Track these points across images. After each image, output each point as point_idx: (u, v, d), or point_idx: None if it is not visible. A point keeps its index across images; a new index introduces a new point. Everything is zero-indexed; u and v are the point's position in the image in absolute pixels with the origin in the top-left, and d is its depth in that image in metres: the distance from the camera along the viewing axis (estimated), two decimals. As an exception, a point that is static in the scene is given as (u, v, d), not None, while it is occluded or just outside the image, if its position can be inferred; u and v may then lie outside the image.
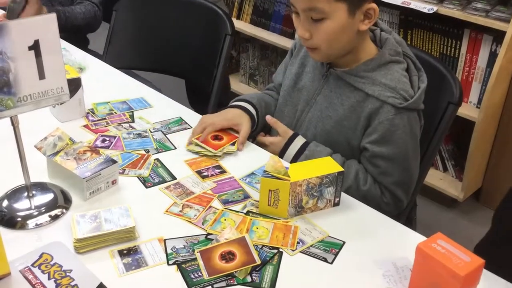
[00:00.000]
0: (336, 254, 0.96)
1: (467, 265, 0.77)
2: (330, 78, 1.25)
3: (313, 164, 1.06)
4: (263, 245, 0.97)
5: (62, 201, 1.05)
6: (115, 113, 1.37)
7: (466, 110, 2.09)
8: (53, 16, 0.93)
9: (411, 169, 1.22)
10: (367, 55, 1.20)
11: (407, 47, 1.25)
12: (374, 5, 1.14)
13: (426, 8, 2.08)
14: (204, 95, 1.85)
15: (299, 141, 1.24)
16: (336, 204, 1.07)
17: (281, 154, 1.24)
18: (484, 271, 0.82)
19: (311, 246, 0.97)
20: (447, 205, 2.26)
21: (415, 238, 1.01)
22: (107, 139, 1.26)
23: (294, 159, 1.22)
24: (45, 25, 0.93)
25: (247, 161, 1.22)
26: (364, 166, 1.21)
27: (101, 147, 1.22)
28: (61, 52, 0.97)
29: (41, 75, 0.94)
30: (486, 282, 0.86)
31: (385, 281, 0.90)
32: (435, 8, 2.06)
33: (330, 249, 0.97)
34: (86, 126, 1.31)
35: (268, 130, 1.39)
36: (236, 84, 2.99)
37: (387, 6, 2.25)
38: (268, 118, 1.30)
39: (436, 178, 2.28)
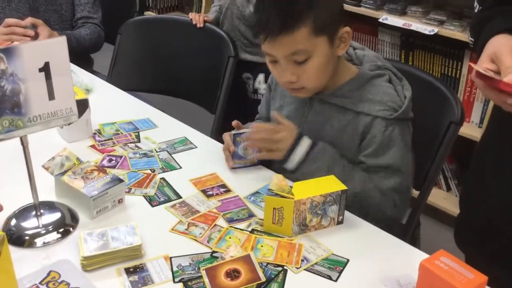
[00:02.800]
0: (340, 272, 0.96)
1: (470, 282, 0.78)
2: (314, 104, 1.24)
3: (316, 182, 1.07)
4: (268, 263, 0.97)
5: (70, 220, 1.06)
6: (121, 133, 1.40)
7: (469, 130, 2.11)
8: (63, 39, 0.96)
9: (406, 176, 1.22)
10: (348, 75, 1.20)
11: (384, 60, 1.27)
12: (347, 28, 1.15)
13: (427, 29, 2.12)
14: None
15: (305, 141, 1.20)
16: (340, 222, 1.08)
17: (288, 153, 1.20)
18: (487, 287, 0.83)
19: (315, 264, 0.98)
20: (451, 224, 2.26)
21: (419, 256, 1.01)
22: (114, 159, 1.28)
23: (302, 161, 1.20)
24: (56, 48, 0.95)
25: (251, 180, 1.23)
26: None
27: (108, 167, 1.24)
28: (70, 73, 1.00)
29: (51, 96, 0.97)
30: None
31: (389, 298, 0.91)
32: (436, 30, 2.09)
33: (334, 266, 0.98)
34: (93, 146, 1.33)
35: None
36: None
37: (389, 28, 2.29)
38: (274, 113, 1.26)
39: (439, 198, 2.29)
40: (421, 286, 0.85)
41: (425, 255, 1.00)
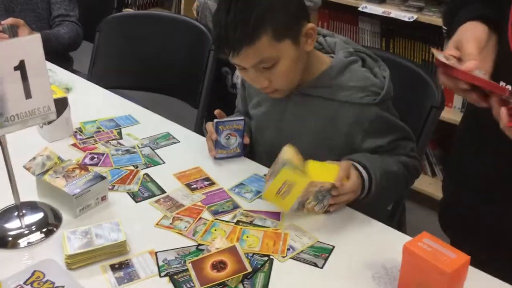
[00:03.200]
0: (326, 259, 0.97)
1: (453, 262, 0.79)
2: (293, 97, 1.23)
3: (330, 168, 1.05)
4: (254, 253, 0.97)
5: (53, 219, 1.05)
6: (103, 130, 1.38)
7: (451, 115, 2.13)
8: (38, 36, 0.95)
9: (411, 135, 1.24)
10: (322, 65, 1.20)
11: (355, 44, 1.27)
12: (311, 25, 1.14)
13: (406, 16, 2.13)
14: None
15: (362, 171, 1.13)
16: (328, 211, 1.08)
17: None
18: (470, 267, 0.83)
19: (301, 252, 0.98)
20: (437, 209, 2.28)
21: (404, 240, 1.01)
22: (96, 156, 1.27)
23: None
24: (31, 45, 0.94)
25: (235, 172, 1.23)
26: None
27: (90, 165, 1.23)
28: (46, 71, 0.99)
29: (28, 95, 0.96)
30: (472, 278, 0.88)
31: (375, 282, 0.91)
32: (415, 16, 2.10)
33: (320, 254, 0.98)
34: (74, 144, 1.32)
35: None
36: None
37: (369, 16, 2.30)
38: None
39: (425, 183, 2.31)
40: (405, 268, 0.85)
41: (409, 239, 1.01)
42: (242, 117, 1.27)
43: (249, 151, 1.36)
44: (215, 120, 1.25)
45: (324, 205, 1.06)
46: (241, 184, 1.18)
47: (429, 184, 2.31)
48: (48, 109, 0.99)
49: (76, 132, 1.37)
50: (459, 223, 1.15)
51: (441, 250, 0.81)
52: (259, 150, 1.34)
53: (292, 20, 1.11)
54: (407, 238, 1.03)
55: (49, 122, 1.29)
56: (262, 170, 1.25)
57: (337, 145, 1.20)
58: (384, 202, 1.33)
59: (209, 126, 1.26)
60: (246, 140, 1.26)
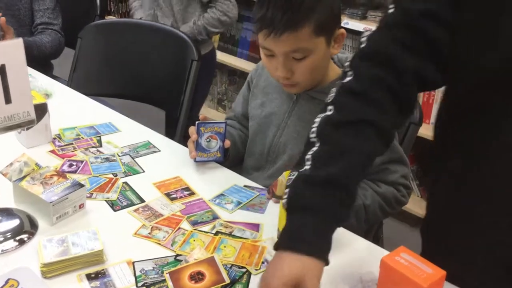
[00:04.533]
0: (304, 271, 0.97)
1: (429, 277, 0.80)
2: (300, 100, 1.27)
3: None
4: (232, 265, 0.97)
5: (29, 226, 1.04)
6: (82, 138, 1.37)
7: (428, 131, 2.16)
8: (19, 41, 0.94)
9: (403, 159, 1.24)
10: (334, 75, 1.24)
11: None
12: (342, 30, 1.19)
13: (386, 33, 2.16)
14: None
15: None
16: None
17: None
18: (446, 282, 0.85)
19: (279, 264, 0.98)
20: (413, 224, 2.31)
21: (381, 253, 1.02)
22: (74, 163, 1.25)
23: None
24: (12, 50, 0.93)
25: (215, 182, 1.23)
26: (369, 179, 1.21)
27: (68, 172, 1.22)
28: (27, 76, 0.98)
29: (7, 100, 0.94)
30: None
31: (352, 295, 0.92)
32: (395, 34, 2.14)
33: (298, 266, 0.98)
34: (52, 151, 1.31)
35: (239, 160, 1.41)
36: (205, 109, 3.02)
37: (350, 32, 2.33)
38: None
39: (402, 198, 2.33)
40: (382, 282, 0.86)
41: (387, 253, 1.02)
42: (224, 121, 1.27)
43: (244, 153, 1.37)
44: (197, 122, 1.25)
45: None
46: (221, 195, 1.18)
47: (406, 199, 2.34)
48: (28, 114, 0.98)
49: (55, 138, 1.35)
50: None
51: (418, 264, 0.82)
52: (255, 151, 1.35)
53: (333, 19, 1.17)
54: (385, 252, 1.04)
55: (28, 128, 1.28)
56: (242, 181, 1.25)
57: None
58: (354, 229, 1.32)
59: (191, 128, 1.27)
60: (227, 144, 1.27)
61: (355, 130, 0.86)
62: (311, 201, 0.83)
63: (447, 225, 1.00)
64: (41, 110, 1.29)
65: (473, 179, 0.91)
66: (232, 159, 1.36)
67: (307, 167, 0.85)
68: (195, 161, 1.26)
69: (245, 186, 1.23)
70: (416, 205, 2.29)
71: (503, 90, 0.81)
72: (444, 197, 1.01)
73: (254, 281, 0.94)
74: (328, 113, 0.88)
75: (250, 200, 1.17)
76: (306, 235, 0.82)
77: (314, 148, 0.87)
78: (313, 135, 0.88)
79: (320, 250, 0.82)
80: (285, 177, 0.98)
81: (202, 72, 2.11)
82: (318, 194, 0.83)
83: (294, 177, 0.86)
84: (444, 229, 1.01)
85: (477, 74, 0.83)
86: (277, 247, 0.84)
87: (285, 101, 1.30)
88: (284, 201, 0.86)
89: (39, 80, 1.63)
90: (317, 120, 0.90)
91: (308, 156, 0.86)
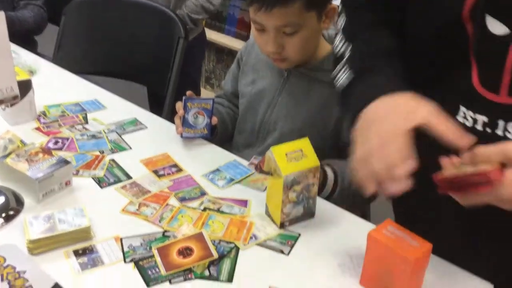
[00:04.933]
0: (292, 246, 0.97)
1: (416, 250, 0.81)
2: (291, 77, 1.27)
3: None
4: (220, 240, 0.97)
5: (14, 204, 1.03)
6: (68, 115, 1.36)
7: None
8: (1, 14, 0.92)
9: None
10: (324, 51, 1.24)
11: None
12: (334, 5, 1.18)
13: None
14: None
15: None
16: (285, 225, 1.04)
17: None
18: (432, 255, 0.86)
19: (267, 239, 0.99)
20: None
21: (369, 228, 1.03)
22: (60, 141, 1.24)
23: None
24: (-7, 23, 0.91)
25: (203, 159, 1.22)
26: None
27: (54, 149, 1.20)
28: (10, 50, 0.96)
29: (-10, 75, 0.93)
30: (434, 265, 0.90)
31: (340, 270, 0.93)
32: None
33: (286, 241, 0.98)
34: (37, 128, 1.29)
35: (228, 138, 1.40)
36: (192, 88, 2.99)
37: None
38: None
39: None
40: (369, 256, 0.87)
41: (374, 227, 1.03)
42: (211, 98, 1.26)
43: (233, 131, 1.37)
44: (184, 97, 1.24)
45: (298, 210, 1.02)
46: (217, 170, 1.17)
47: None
48: (11, 90, 0.97)
49: (39, 115, 1.33)
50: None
51: (405, 238, 0.83)
52: (246, 129, 1.34)
53: None
54: (372, 226, 1.04)
55: (12, 105, 1.26)
56: (230, 157, 1.24)
57: (326, 129, 1.23)
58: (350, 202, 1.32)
59: (178, 103, 1.26)
60: (214, 120, 1.26)
61: (372, 31, 0.89)
62: (375, 66, 0.84)
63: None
64: (25, 86, 1.27)
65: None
66: (221, 137, 1.36)
67: (345, 73, 0.88)
68: (181, 137, 1.25)
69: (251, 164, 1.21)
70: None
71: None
72: None
73: (243, 256, 0.95)
74: (340, 35, 0.92)
75: (245, 178, 1.16)
76: (392, 85, 0.80)
77: (345, 58, 0.90)
78: (337, 50, 0.92)
79: (402, 88, 0.79)
80: (273, 153, 0.98)
81: (192, 57, 2.09)
82: (375, 60, 0.85)
83: (340, 81, 0.90)
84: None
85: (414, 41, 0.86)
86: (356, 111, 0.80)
87: (276, 78, 1.30)
88: (342, 81, 0.89)
89: (23, 57, 1.60)
90: (336, 43, 0.93)
91: (340, 67, 0.90)
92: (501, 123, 0.79)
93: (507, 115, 0.78)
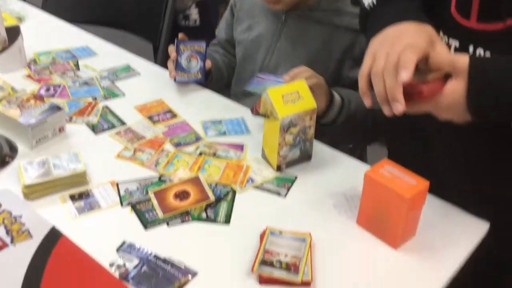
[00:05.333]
0: (288, 188, 0.97)
1: (412, 188, 0.80)
2: (289, 20, 1.23)
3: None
4: (217, 183, 0.97)
5: (8, 150, 1.02)
6: (59, 62, 1.33)
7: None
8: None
9: None
10: None
11: None
12: None
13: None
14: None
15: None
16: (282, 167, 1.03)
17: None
18: (428, 194, 0.85)
19: (264, 182, 0.98)
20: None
21: (365, 169, 1.04)
22: (51, 87, 1.22)
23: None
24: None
25: (198, 105, 1.21)
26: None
27: (46, 96, 1.18)
28: (-6, -8, 0.92)
29: (-25, 17, 0.90)
30: (431, 204, 0.90)
31: (337, 211, 0.93)
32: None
33: (283, 184, 0.98)
34: (28, 76, 1.26)
35: (223, 85, 1.38)
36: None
37: None
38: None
39: (385, 124, 2.34)
40: (366, 195, 0.87)
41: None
42: (204, 40, 1.23)
43: (229, 79, 1.35)
44: (176, 40, 1.21)
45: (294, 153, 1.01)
46: (218, 122, 1.15)
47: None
48: (-2, 33, 0.93)
49: (30, 63, 1.31)
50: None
51: (401, 176, 0.82)
52: (244, 77, 1.32)
53: None
54: (367, 167, 1.04)
55: (1, 52, 1.23)
56: (224, 102, 1.23)
57: (327, 71, 1.20)
58: (349, 137, 1.32)
59: (170, 46, 1.23)
60: (208, 64, 1.24)
61: None
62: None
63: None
64: (13, 33, 1.23)
65: None
66: (216, 83, 1.33)
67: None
68: (175, 81, 1.23)
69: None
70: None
71: None
72: None
73: (239, 198, 0.94)
74: None
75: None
76: (407, 10, 0.83)
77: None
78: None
79: (424, 19, 0.81)
80: (269, 95, 0.96)
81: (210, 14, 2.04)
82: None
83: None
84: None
85: None
86: (378, 28, 0.81)
87: (273, 23, 1.26)
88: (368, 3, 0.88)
89: (11, 3, 1.55)
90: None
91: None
92: (471, 48, 0.81)
93: (476, 40, 0.81)
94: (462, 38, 0.83)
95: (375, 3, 0.89)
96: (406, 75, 0.71)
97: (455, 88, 0.73)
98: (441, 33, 0.86)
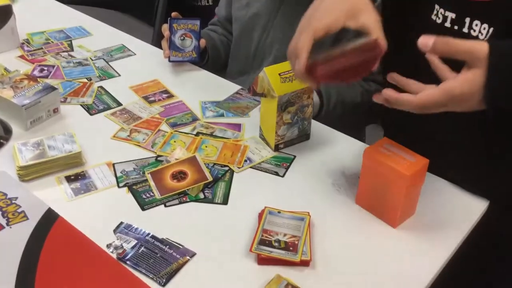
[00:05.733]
0: (287, 168, 0.97)
1: (412, 165, 0.80)
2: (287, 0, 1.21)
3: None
4: (214, 163, 0.96)
5: (2, 132, 1.00)
6: (52, 42, 1.31)
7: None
8: None
9: None
10: None
11: None
12: None
13: None
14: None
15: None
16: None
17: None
18: (428, 173, 0.85)
19: (262, 162, 0.97)
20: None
21: (363, 148, 1.03)
22: (45, 68, 1.20)
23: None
24: None
25: (194, 84, 1.19)
26: None
27: (40, 77, 1.16)
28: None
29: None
30: (430, 182, 0.90)
31: (335, 188, 0.92)
32: None
33: (281, 163, 0.97)
34: (21, 56, 1.24)
35: (220, 65, 1.36)
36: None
37: None
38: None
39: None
40: (365, 173, 0.86)
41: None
42: (198, 18, 1.21)
43: (226, 59, 1.34)
44: (169, 18, 1.19)
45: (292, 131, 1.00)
46: (218, 102, 1.13)
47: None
48: (-11, 11, 0.91)
49: (23, 43, 1.28)
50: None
51: (401, 154, 0.81)
52: (240, 55, 1.31)
53: None
54: (365, 146, 1.03)
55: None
56: (221, 82, 1.21)
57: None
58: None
59: (164, 25, 1.21)
60: (202, 43, 1.22)
61: None
62: None
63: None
64: (5, 12, 1.21)
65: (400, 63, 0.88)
66: (212, 63, 1.32)
67: None
68: (169, 61, 1.21)
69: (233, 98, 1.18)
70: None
71: None
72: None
73: (237, 178, 0.94)
74: None
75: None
76: None
77: None
78: None
79: None
80: (266, 73, 0.94)
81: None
82: None
83: None
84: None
85: None
86: None
87: (271, 0, 1.24)
88: None
89: (2, -17, 1.52)
90: None
91: None
92: (467, 20, 0.81)
93: (473, 12, 0.80)
94: (458, 11, 0.82)
95: None
96: (298, 65, 0.75)
97: (472, 77, 0.69)
98: (436, 6, 0.85)
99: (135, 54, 1.29)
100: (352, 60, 0.76)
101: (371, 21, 0.76)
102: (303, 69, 0.75)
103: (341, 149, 1.03)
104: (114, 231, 0.81)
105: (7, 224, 0.81)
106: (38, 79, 1.08)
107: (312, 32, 0.76)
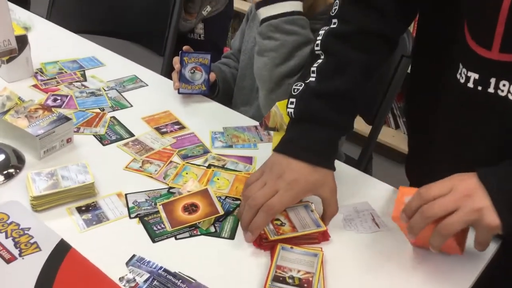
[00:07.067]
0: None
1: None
2: None
3: None
4: (226, 196, 0.96)
5: (15, 161, 1.01)
6: (66, 72, 1.32)
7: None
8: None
9: None
10: (323, 3, 1.22)
11: None
12: None
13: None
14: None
15: None
16: None
17: None
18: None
19: (273, 196, 0.98)
20: (400, 161, 2.33)
21: (374, 184, 1.04)
22: (59, 98, 1.21)
23: None
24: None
25: (205, 116, 1.20)
26: None
27: (53, 106, 1.18)
28: (7, 3, 0.92)
29: (-14, 27, 0.89)
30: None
31: (346, 224, 0.92)
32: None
33: (292, 197, 0.98)
34: (35, 86, 1.26)
35: (230, 97, 1.38)
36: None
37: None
38: None
39: (388, 135, 2.35)
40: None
41: (380, 183, 1.02)
42: (209, 52, 1.23)
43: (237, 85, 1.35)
44: (180, 51, 1.21)
45: None
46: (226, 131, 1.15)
47: (392, 136, 2.36)
48: (9, 43, 0.93)
49: (37, 73, 1.30)
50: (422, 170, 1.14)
51: None
52: (244, 86, 1.32)
53: None
54: (377, 181, 1.04)
55: (8, 61, 1.23)
56: (231, 114, 1.22)
57: None
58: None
59: (175, 58, 1.23)
60: (212, 77, 1.24)
61: (358, 41, 0.88)
62: (318, 112, 0.88)
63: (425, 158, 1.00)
64: (21, 42, 1.23)
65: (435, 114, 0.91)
66: (223, 95, 1.33)
67: (312, 79, 0.89)
68: (178, 92, 1.23)
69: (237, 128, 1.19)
70: (403, 143, 2.31)
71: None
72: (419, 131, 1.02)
73: (248, 212, 0.94)
74: (332, 26, 0.91)
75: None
76: (315, 144, 0.88)
77: (319, 61, 0.90)
78: (317, 48, 0.91)
79: (328, 160, 0.90)
80: (279, 108, 0.96)
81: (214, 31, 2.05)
82: (325, 106, 0.87)
83: (301, 88, 0.90)
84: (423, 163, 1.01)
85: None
86: (279, 150, 0.89)
87: None
88: (290, 110, 0.90)
89: (17, 13, 1.55)
90: (321, 32, 0.92)
91: (313, 69, 0.90)
92: (493, 80, 0.77)
93: (499, 72, 0.76)
94: (482, 71, 0.78)
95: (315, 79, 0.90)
96: (247, 238, 0.86)
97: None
98: (460, 66, 0.82)
99: (147, 85, 1.31)
100: (299, 240, 0.86)
101: (327, 194, 0.89)
102: (251, 242, 0.86)
103: (350, 183, 1.03)
104: (127, 263, 0.81)
105: (20, 255, 0.81)
106: (53, 109, 1.09)
107: (271, 216, 0.85)
